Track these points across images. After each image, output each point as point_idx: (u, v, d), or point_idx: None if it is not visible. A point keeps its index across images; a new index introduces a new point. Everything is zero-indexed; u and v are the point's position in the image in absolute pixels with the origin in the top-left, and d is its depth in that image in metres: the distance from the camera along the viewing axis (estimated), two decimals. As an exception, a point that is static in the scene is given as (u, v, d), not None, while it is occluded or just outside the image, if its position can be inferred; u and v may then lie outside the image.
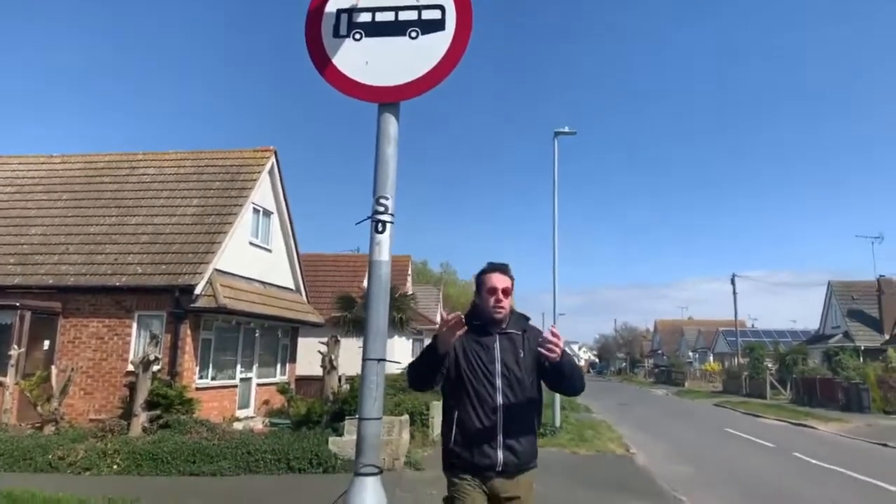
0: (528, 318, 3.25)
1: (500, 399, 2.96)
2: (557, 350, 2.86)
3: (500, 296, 3.09)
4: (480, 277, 3.19)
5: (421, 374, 3.06)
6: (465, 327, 2.86)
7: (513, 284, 3.16)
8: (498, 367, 3.01)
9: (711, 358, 66.42)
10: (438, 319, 2.84)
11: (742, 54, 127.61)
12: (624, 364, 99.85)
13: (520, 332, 3.12)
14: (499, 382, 2.98)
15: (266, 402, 18.23)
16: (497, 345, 3.06)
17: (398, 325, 20.18)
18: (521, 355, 3.04)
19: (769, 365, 42.05)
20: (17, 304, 14.37)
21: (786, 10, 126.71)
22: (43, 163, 19.66)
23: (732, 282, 50.88)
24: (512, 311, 3.19)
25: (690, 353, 77.00)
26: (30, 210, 17.65)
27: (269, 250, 19.22)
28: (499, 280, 3.11)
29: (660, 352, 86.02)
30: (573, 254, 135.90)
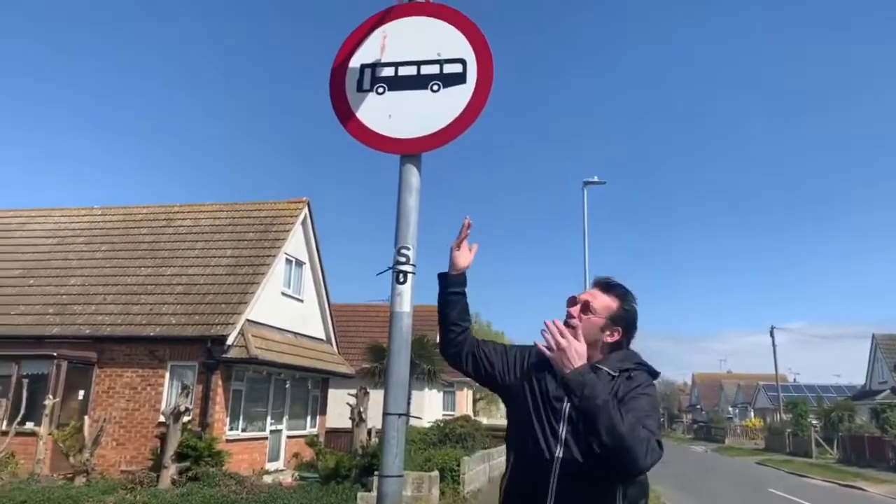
0: (640, 366, 2.26)
1: (559, 451, 2.11)
2: (554, 347, 2.03)
3: (571, 309, 2.31)
4: None
5: (440, 325, 2.55)
6: (475, 245, 2.52)
7: (619, 307, 2.31)
8: (566, 406, 2.13)
9: (752, 413, 64.23)
10: None
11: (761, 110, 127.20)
12: (662, 419, 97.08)
13: (615, 374, 2.18)
14: (562, 430, 2.12)
15: (296, 455, 18.07)
16: None
17: (427, 376, 19.99)
18: None
19: (814, 421, 40.44)
20: (55, 353, 14.63)
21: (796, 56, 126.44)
22: (84, 215, 20.27)
23: (771, 334, 49.53)
24: (616, 348, 2.30)
25: (730, 409, 74.57)
26: (70, 261, 18.12)
27: (301, 300, 19.35)
28: (587, 293, 2.37)
29: (698, 406, 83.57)
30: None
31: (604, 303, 2.32)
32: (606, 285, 2.38)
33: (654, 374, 2.27)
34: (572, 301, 2.35)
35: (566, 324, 2.15)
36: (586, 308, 2.30)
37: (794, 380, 66.22)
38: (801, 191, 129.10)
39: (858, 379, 46.18)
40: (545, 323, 2.07)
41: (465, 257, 2.54)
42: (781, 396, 48.26)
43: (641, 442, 1.89)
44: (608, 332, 2.30)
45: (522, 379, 2.33)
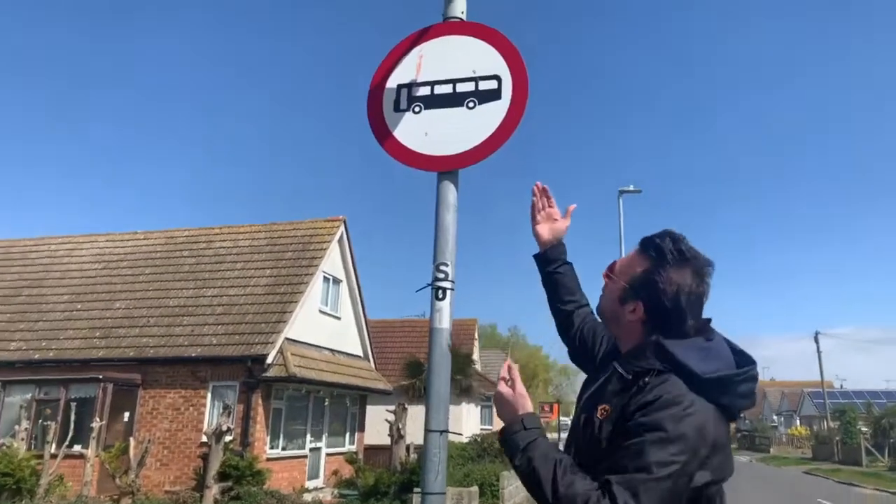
0: (666, 366, 1.51)
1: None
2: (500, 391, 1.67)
3: (605, 272, 1.77)
4: None
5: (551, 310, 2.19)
6: (570, 208, 2.21)
7: (644, 269, 1.63)
8: (574, 416, 1.78)
9: (798, 422, 62.54)
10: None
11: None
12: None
13: (627, 376, 1.56)
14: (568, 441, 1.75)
15: (335, 473, 18.13)
16: (598, 383, 1.70)
17: (463, 390, 19.92)
18: (597, 420, 1.57)
19: (863, 429, 39.16)
20: (101, 376, 14.96)
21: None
22: (128, 239, 20.78)
23: (816, 340, 48.23)
24: (657, 332, 1.58)
25: (775, 417, 72.70)
26: (115, 285, 18.57)
27: (339, 318, 19.50)
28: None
29: (741, 415, 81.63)
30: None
31: (627, 264, 1.70)
32: (643, 243, 1.69)
33: (695, 378, 1.47)
34: (610, 270, 1.79)
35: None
36: (610, 271, 1.75)
37: (841, 386, 64.29)
38: (849, 192, 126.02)
39: (910, 385, 44.63)
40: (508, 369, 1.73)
41: (546, 229, 2.25)
42: (828, 403, 46.89)
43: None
44: (629, 307, 1.65)
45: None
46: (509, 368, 1.72)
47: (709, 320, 1.64)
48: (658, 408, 1.43)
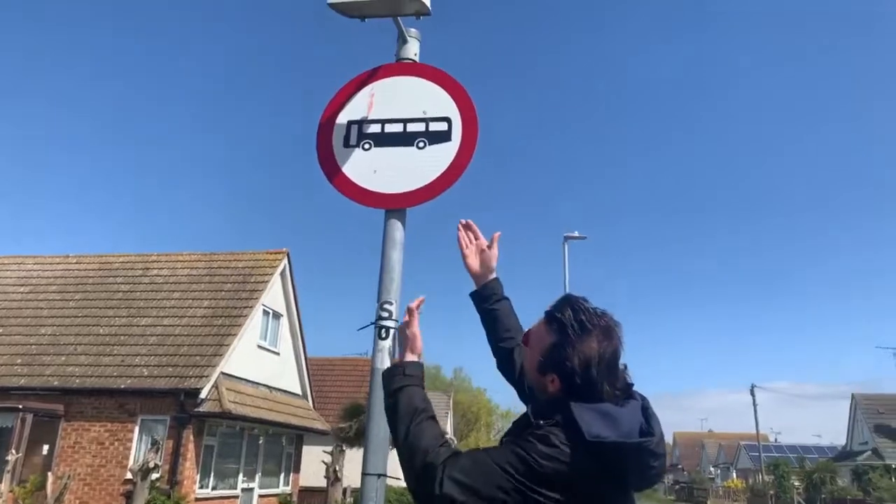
0: (563, 420, 1.49)
1: None
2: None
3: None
4: None
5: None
6: (495, 235, 2.21)
7: (551, 344, 1.61)
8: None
9: (734, 474, 63.70)
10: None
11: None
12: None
13: (533, 419, 1.57)
14: None
15: (266, 515, 17.50)
16: (513, 421, 1.77)
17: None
18: None
19: (796, 483, 40.20)
20: (20, 406, 14.17)
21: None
22: (59, 263, 19.98)
23: (752, 393, 49.57)
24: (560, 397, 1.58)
25: (712, 469, 74.00)
26: (42, 310, 17.76)
27: (277, 353, 19.06)
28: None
29: (680, 466, 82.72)
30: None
31: (539, 336, 1.67)
32: (547, 315, 1.67)
33: (579, 438, 1.43)
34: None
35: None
36: (526, 341, 1.74)
37: (776, 440, 66.08)
38: (787, 250, 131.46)
39: (840, 440, 46.16)
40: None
41: (477, 261, 2.22)
42: (763, 457, 48.02)
43: (422, 463, 1.47)
44: (549, 378, 1.61)
45: None
46: (410, 310, 1.85)
47: (631, 385, 1.61)
48: (540, 440, 1.46)
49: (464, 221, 2.30)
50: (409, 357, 1.76)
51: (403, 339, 1.82)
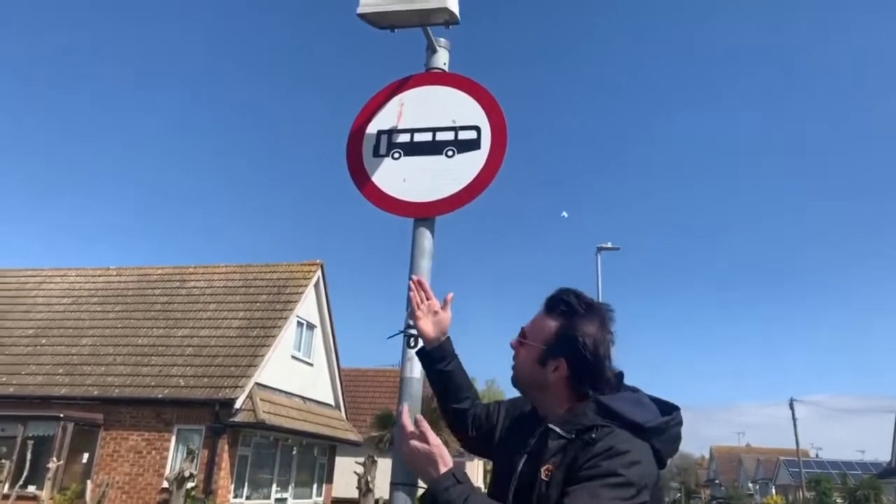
0: (611, 421, 1.53)
1: None
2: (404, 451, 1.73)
3: (512, 341, 1.78)
4: None
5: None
6: (448, 296, 2.11)
7: (557, 328, 1.65)
8: (513, 481, 1.62)
9: (773, 490, 62.04)
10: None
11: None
12: (678, 494, 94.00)
13: (568, 436, 1.54)
14: None
15: (300, 525, 17.57)
16: (532, 446, 1.64)
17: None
18: (541, 481, 1.53)
19: (838, 500, 39.00)
20: (61, 415, 14.49)
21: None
22: (100, 275, 20.46)
23: (791, 407, 48.34)
24: (579, 391, 1.62)
25: (750, 485, 72.20)
26: (83, 321, 18.19)
27: (311, 364, 19.20)
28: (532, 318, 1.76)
29: (717, 481, 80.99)
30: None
31: (540, 327, 1.68)
32: (549, 302, 1.70)
33: (641, 430, 1.51)
34: (522, 335, 1.76)
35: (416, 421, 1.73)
36: (521, 336, 1.73)
37: (817, 455, 64.28)
38: (827, 261, 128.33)
39: (884, 455, 44.67)
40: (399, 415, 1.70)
41: (430, 324, 2.10)
42: (804, 473, 46.70)
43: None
44: (550, 367, 1.63)
45: (498, 436, 1.89)
46: (417, 421, 1.72)
47: (621, 373, 1.69)
48: (610, 456, 1.46)
49: (415, 279, 2.23)
50: (443, 469, 1.59)
51: (423, 456, 1.64)
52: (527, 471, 1.59)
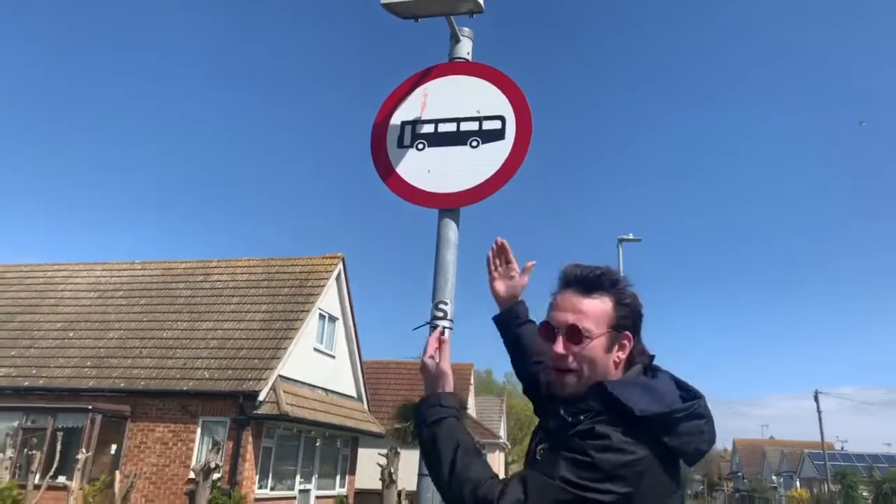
0: (609, 403, 1.43)
1: None
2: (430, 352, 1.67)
3: (557, 348, 1.54)
4: (550, 300, 1.66)
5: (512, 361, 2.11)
6: (529, 265, 2.08)
7: (615, 303, 1.55)
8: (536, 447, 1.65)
9: (798, 483, 61.34)
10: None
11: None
12: (701, 487, 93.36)
13: (569, 418, 1.49)
14: None
15: (323, 516, 17.74)
16: (539, 425, 1.69)
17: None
18: (536, 460, 1.55)
19: (864, 494, 38.42)
20: (90, 406, 14.75)
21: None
22: (125, 269, 20.73)
23: (816, 399, 47.72)
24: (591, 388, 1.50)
25: (774, 478, 71.42)
26: (109, 314, 18.46)
27: (333, 356, 19.32)
28: (562, 309, 1.57)
29: (740, 474, 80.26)
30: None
31: (596, 312, 1.53)
32: (585, 282, 1.56)
33: (630, 417, 1.38)
34: (548, 332, 1.57)
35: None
36: (576, 335, 1.52)
37: (842, 448, 63.37)
38: (848, 252, 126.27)
39: (911, 448, 43.92)
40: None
41: (503, 286, 2.12)
42: (829, 466, 46.08)
43: (474, 499, 1.37)
44: (616, 349, 1.54)
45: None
46: (440, 342, 1.69)
47: (652, 356, 1.59)
48: (585, 437, 1.38)
49: (499, 241, 2.16)
50: (441, 390, 1.63)
51: (430, 375, 1.65)
52: (532, 448, 1.60)
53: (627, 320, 1.54)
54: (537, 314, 2.03)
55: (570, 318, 1.52)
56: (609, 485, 1.33)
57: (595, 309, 1.53)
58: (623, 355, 1.55)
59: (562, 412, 1.51)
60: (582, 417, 1.44)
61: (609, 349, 1.53)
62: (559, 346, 1.53)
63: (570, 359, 1.52)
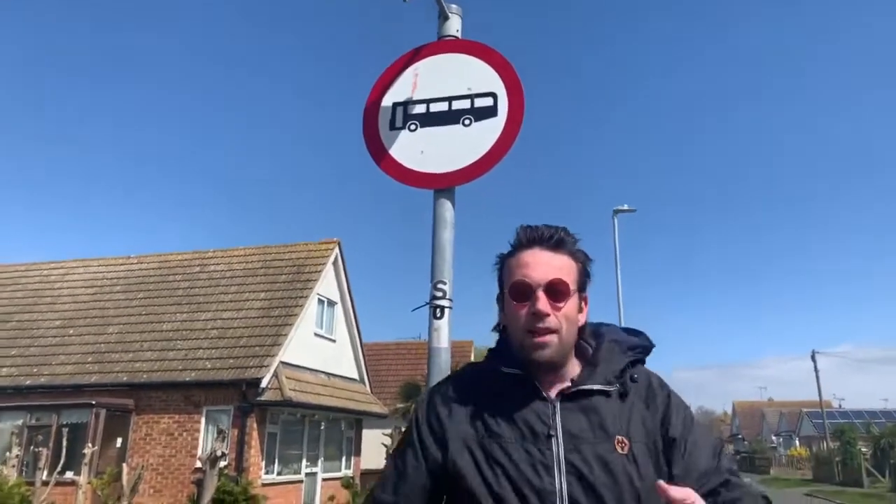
0: (633, 351, 1.49)
1: None
2: None
3: (541, 306, 1.39)
4: (505, 263, 1.51)
5: None
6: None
7: (580, 275, 1.48)
8: (562, 482, 1.31)
9: (797, 442, 62.22)
10: None
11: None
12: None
13: (613, 387, 1.41)
14: (561, 483, 1.31)
15: (331, 498, 17.89)
16: (559, 423, 1.36)
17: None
18: (626, 449, 1.34)
19: (863, 449, 38.92)
20: (93, 402, 14.79)
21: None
22: (121, 264, 20.67)
23: (813, 359, 48.16)
24: (596, 340, 1.51)
25: (773, 438, 72.38)
26: (108, 310, 18.44)
27: (333, 340, 19.38)
28: (536, 266, 1.43)
29: (740, 436, 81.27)
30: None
31: (569, 269, 1.46)
32: (551, 241, 1.46)
33: (648, 350, 1.51)
34: (523, 292, 1.41)
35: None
36: (561, 292, 1.41)
37: (840, 406, 64.18)
38: (848, 208, 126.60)
39: (908, 404, 44.50)
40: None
41: None
42: (827, 424, 46.68)
43: None
44: (582, 308, 1.50)
45: (475, 469, 1.36)
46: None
47: None
48: (684, 408, 1.47)
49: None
50: None
51: None
52: (587, 448, 1.34)
53: (586, 280, 1.50)
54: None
55: (553, 273, 1.41)
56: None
57: (567, 266, 1.45)
58: (584, 317, 1.50)
59: (604, 386, 1.40)
60: (623, 380, 1.43)
61: (580, 309, 1.48)
62: (544, 304, 1.39)
63: (555, 318, 1.40)
